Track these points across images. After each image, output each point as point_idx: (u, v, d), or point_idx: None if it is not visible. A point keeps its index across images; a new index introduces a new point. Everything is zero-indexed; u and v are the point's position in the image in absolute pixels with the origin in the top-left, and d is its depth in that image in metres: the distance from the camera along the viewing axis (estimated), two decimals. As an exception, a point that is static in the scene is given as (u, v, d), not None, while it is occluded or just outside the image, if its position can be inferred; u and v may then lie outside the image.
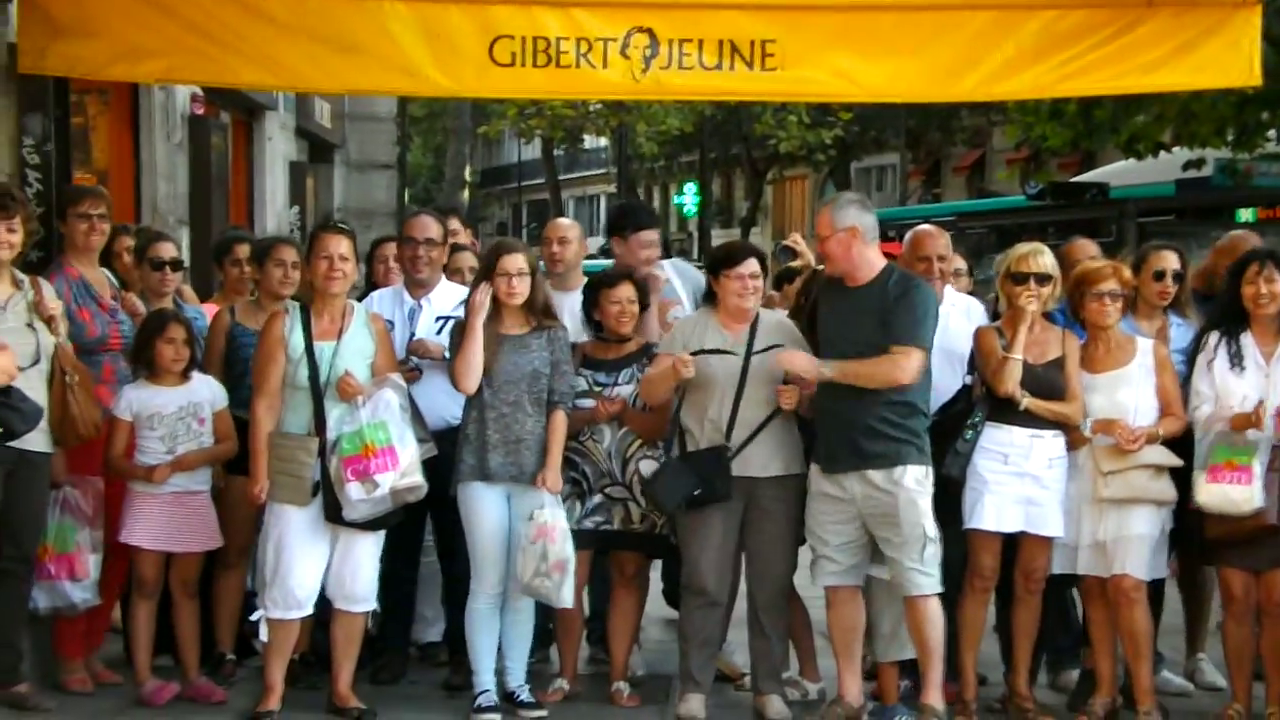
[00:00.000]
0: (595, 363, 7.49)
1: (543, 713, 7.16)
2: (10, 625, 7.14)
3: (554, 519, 7.01)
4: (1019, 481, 7.05)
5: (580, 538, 7.32)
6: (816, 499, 7.05)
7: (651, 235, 8.07)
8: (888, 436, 6.83)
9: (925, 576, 6.86)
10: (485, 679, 7.20)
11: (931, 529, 6.86)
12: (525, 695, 7.20)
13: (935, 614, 6.93)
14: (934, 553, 6.87)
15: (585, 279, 7.92)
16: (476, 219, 28.82)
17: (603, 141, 46.69)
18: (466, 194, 27.36)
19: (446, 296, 7.82)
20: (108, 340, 7.55)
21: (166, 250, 8.02)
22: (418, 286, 7.82)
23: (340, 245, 7.11)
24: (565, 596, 7.08)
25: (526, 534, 7.00)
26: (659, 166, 45.36)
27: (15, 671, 7.14)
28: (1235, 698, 7.09)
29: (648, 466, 7.34)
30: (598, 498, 7.38)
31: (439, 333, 7.66)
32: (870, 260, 6.98)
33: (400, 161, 18.83)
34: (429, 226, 7.87)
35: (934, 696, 6.95)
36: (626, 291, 7.46)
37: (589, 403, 7.36)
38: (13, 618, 7.15)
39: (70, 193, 7.85)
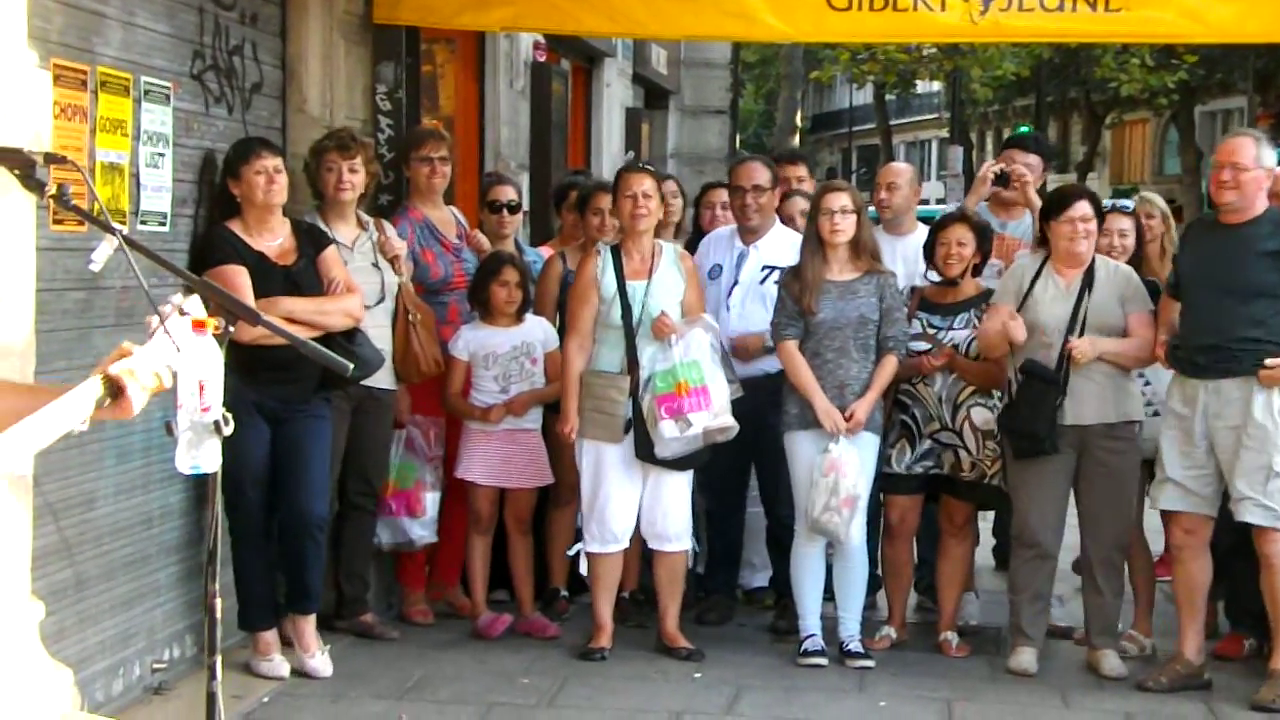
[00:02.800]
0: (931, 306, 7.40)
1: (870, 663, 7.12)
2: (358, 557, 7.42)
3: (846, 453, 6.96)
4: None
5: (908, 482, 7.30)
6: (1166, 419, 6.83)
7: (1028, 158, 8.01)
8: (1254, 354, 6.58)
9: (1263, 509, 6.58)
10: (811, 623, 7.20)
11: None
12: (855, 645, 7.17)
13: None
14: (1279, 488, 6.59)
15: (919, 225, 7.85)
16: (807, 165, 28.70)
17: (935, 86, 45.93)
18: (797, 140, 27.26)
19: (778, 243, 7.81)
20: (451, 280, 7.75)
21: (505, 193, 8.20)
22: (748, 233, 7.83)
23: (643, 184, 7.16)
24: (853, 533, 7.02)
25: (818, 467, 6.97)
26: (993, 111, 44.43)
27: (362, 601, 7.43)
28: None
29: (980, 414, 7.21)
30: (927, 443, 7.29)
31: (762, 282, 7.66)
32: (1263, 200, 6.78)
33: (733, 107, 18.87)
34: (757, 173, 7.86)
35: None
36: (956, 233, 7.34)
37: (924, 345, 7.27)
38: (361, 550, 7.43)
39: (412, 136, 8.05)
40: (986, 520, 8.20)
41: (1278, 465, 6.57)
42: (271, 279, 6.50)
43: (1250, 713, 6.61)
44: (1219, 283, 6.68)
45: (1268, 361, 6.56)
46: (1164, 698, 6.74)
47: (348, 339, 6.67)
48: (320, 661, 6.76)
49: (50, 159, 3.25)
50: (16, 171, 3.16)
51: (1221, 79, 35.63)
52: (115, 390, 3.08)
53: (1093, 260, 7.08)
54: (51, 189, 3.19)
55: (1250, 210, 6.71)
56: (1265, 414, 6.58)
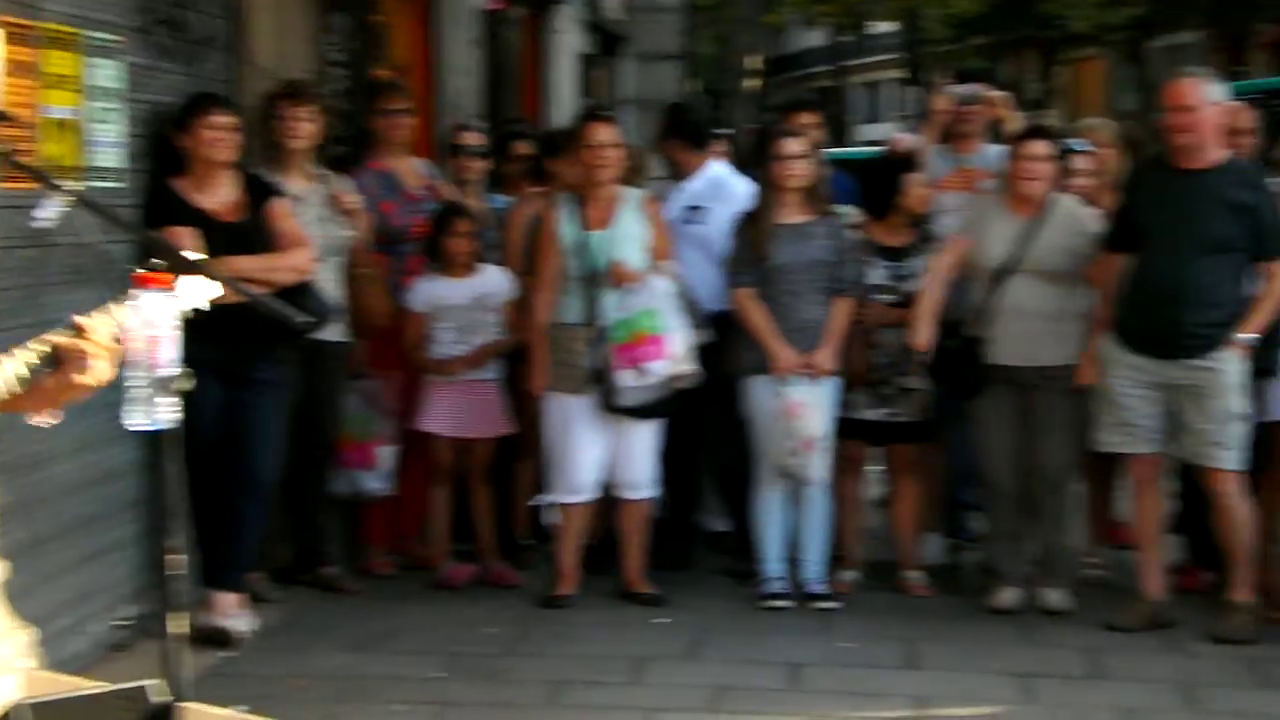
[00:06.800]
0: (884, 250, 7.37)
1: (836, 604, 7.16)
2: (316, 510, 7.42)
3: (801, 395, 6.99)
4: None
5: (863, 429, 7.32)
6: (1116, 366, 6.74)
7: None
8: (1210, 335, 6.56)
9: (1225, 450, 6.60)
10: (773, 567, 7.23)
11: (1239, 405, 6.60)
12: (819, 588, 7.21)
13: (1238, 505, 6.64)
14: (1239, 432, 6.61)
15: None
16: (764, 109, 28.63)
17: (887, 26, 45.79)
18: (757, 83, 27.14)
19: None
20: (409, 231, 7.72)
21: (471, 139, 8.17)
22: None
23: (604, 133, 7.13)
24: (815, 474, 7.06)
25: (774, 411, 7.00)
26: (949, 51, 44.38)
27: (323, 554, 7.42)
28: None
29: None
30: (885, 389, 7.31)
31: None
32: (1220, 142, 6.67)
33: (686, 52, 18.80)
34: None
35: (1241, 591, 6.71)
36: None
37: (887, 298, 7.30)
38: (318, 502, 7.42)
39: (373, 88, 8.08)
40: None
41: (1237, 408, 6.57)
42: (217, 236, 6.38)
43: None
44: (1183, 233, 6.53)
45: (1237, 337, 6.52)
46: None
47: (298, 292, 6.59)
48: (240, 620, 6.55)
49: (1, 117, 3.21)
50: (-32, 134, 3.12)
51: (1171, 14, 35.57)
52: (53, 358, 3.04)
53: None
54: (2, 147, 3.15)
55: (1209, 154, 6.60)
56: (1231, 366, 6.56)
